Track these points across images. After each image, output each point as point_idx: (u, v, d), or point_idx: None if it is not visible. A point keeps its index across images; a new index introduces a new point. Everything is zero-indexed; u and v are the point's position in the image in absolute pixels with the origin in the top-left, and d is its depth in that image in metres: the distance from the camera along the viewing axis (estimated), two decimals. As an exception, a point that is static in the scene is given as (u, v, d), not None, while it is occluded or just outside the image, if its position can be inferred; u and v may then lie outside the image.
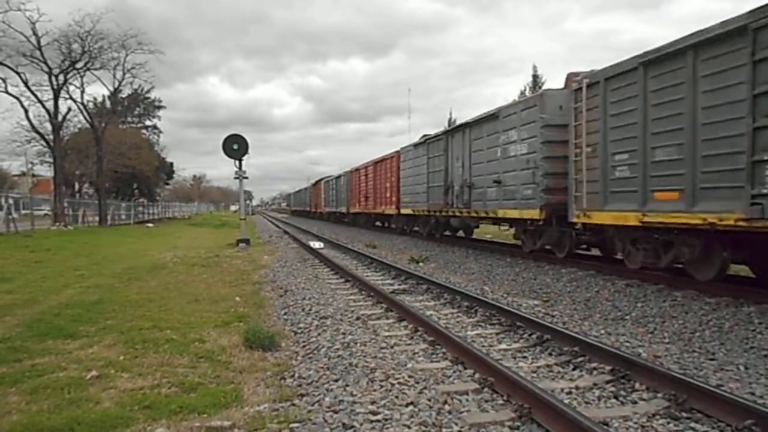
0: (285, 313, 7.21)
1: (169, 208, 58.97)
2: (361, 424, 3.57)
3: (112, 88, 33.82)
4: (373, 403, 3.92)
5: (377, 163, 24.88)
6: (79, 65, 29.40)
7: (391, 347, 5.52)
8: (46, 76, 28.63)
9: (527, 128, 11.25)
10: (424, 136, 18.55)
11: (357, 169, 29.23)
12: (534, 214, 11.02)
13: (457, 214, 15.42)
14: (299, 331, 6.22)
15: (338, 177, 34.88)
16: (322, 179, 43.31)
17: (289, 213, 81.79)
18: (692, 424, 3.63)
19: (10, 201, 23.31)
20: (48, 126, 29.96)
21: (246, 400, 4.05)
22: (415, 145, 19.16)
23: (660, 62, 7.61)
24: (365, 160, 30.16)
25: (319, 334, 5.98)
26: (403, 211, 20.82)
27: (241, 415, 3.75)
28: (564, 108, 10.27)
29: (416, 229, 21.44)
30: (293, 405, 3.94)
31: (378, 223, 28.52)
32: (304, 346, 5.57)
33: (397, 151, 21.59)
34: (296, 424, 3.59)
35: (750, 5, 6.42)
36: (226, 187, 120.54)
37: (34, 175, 44.73)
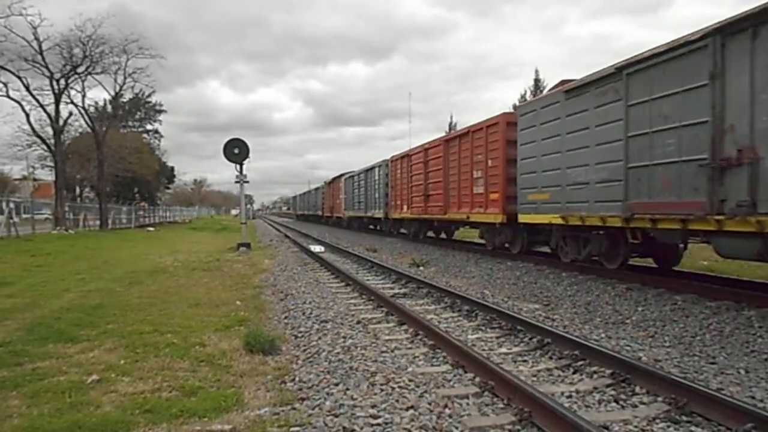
0: (285, 317, 7.22)
1: (169, 212, 59.04)
2: (362, 428, 3.57)
3: (113, 93, 33.92)
4: (373, 406, 3.92)
5: (451, 139, 16.11)
6: (80, 70, 29.49)
7: (392, 351, 5.52)
8: (47, 81, 28.73)
9: None
10: (564, 81, 10.63)
11: (406, 155, 20.33)
12: None
13: None
14: (300, 335, 6.23)
15: (369, 170, 26.68)
16: (342, 175, 34.35)
17: (294, 218, 73.34)
18: (692, 428, 3.64)
19: (11, 205, 23.33)
20: (49, 130, 30.01)
21: (246, 404, 4.06)
22: (570, 90, 9.99)
23: None
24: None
25: (319, 338, 5.98)
26: (525, 217, 11.59)
27: (241, 419, 3.76)
28: None
29: (533, 247, 13.55)
30: (294, 409, 3.94)
31: (430, 234, 20.71)
32: (304, 350, 5.57)
33: (506, 113, 13.37)
34: (297, 428, 3.59)
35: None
36: (227, 191, 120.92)
37: (35, 179, 44.93)
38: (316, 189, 47.61)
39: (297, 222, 58.53)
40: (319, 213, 44.90)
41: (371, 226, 29.59)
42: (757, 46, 6.40)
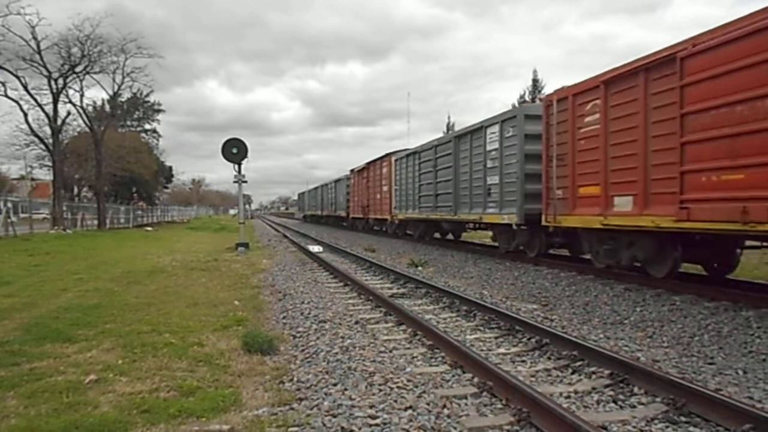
0: (284, 317, 7.21)
1: (168, 211, 58.98)
2: (360, 428, 3.57)
3: (111, 92, 33.89)
4: (371, 407, 3.91)
5: None
6: (78, 69, 29.45)
7: (390, 351, 5.52)
8: (45, 80, 28.69)
9: None
10: None
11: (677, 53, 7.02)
12: None
13: None
14: (298, 335, 6.22)
15: (470, 133, 14.14)
16: (387, 156, 23.20)
17: (301, 220, 62.12)
18: (691, 428, 3.64)
19: (9, 204, 23.29)
20: (47, 130, 29.97)
21: (245, 404, 4.05)
22: None
23: None
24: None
25: (317, 338, 5.98)
26: None
27: (239, 419, 3.75)
28: None
29: None
30: (292, 409, 3.94)
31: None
32: (302, 350, 5.57)
33: None
34: (295, 428, 3.58)
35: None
36: (225, 191, 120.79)
37: (33, 179, 44.79)
38: (337, 181, 36.20)
39: (305, 225, 45.72)
40: (341, 213, 34.03)
41: (437, 235, 19.65)
42: None
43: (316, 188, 47.99)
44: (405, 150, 20.88)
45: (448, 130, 49.05)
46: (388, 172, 22.73)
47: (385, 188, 23.29)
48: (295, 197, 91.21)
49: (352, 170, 30.66)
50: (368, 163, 26.47)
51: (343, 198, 33.22)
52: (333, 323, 6.73)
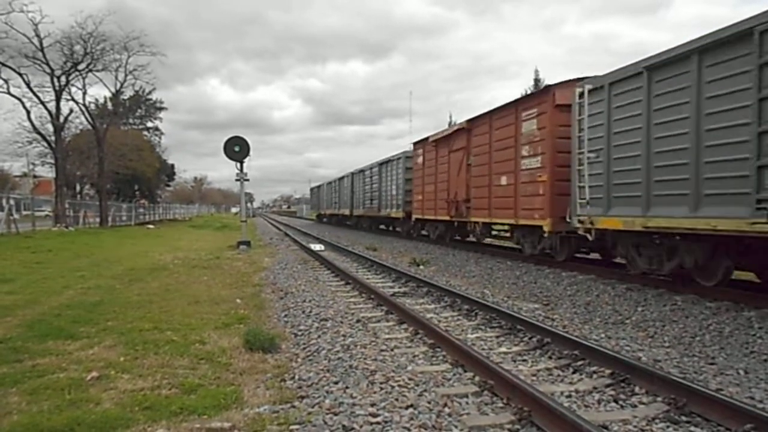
0: (285, 315, 7.22)
1: (170, 209, 59.02)
2: (361, 426, 3.58)
3: (113, 90, 33.86)
4: (373, 405, 3.92)
5: None
6: (81, 67, 29.45)
7: (392, 350, 5.52)
8: (48, 78, 28.68)
9: None
10: None
11: None
12: None
13: None
14: (299, 333, 6.23)
15: None
16: (551, 87, 11.12)
17: (315, 220, 51.79)
18: (692, 428, 3.64)
19: (12, 202, 23.32)
20: (50, 127, 29.97)
21: (246, 401, 4.06)
22: None
23: None
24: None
25: (319, 337, 5.98)
26: None
27: (241, 416, 3.76)
28: None
29: None
30: (293, 407, 3.94)
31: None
32: (304, 348, 5.57)
33: None
34: (296, 426, 3.59)
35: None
36: (227, 189, 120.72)
37: (35, 176, 44.89)
38: (383, 164, 24.80)
39: (334, 231, 31.54)
40: (392, 213, 23.04)
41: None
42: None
43: (341, 178, 35.88)
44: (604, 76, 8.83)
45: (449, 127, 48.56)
46: (549, 128, 11.09)
47: (530, 163, 11.78)
48: (297, 195, 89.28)
49: (418, 142, 19.86)
50: (470, 121, 14.84)
51: (397, 189, 22.30)
52: (334, 321, 6.74)
